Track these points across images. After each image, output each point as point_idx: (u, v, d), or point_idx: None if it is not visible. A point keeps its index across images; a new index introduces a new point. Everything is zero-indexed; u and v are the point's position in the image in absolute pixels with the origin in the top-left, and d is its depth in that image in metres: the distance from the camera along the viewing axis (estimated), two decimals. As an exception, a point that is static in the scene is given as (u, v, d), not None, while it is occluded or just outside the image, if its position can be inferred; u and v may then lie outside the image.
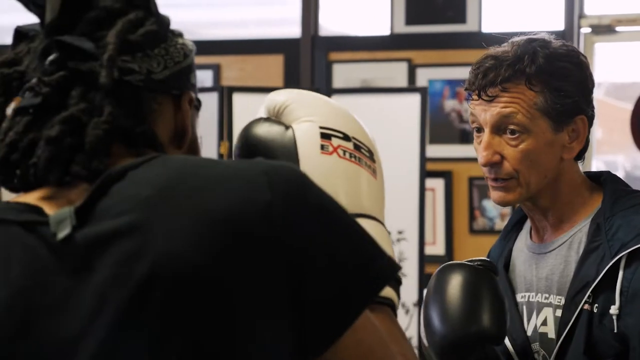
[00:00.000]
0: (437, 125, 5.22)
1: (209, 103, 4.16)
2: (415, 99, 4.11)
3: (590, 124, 1.91)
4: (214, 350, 1.08)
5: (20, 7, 1.25)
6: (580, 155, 1.94)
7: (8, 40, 1.27)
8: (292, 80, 5.61)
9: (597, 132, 5.35)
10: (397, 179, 3.88)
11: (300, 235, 1.11)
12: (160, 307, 1.07)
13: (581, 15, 5.20)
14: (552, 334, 1.91)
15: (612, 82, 6.91)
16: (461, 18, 5.28)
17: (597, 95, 5.23)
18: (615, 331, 1.79)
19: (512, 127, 1.86)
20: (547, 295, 1.93)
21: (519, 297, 1.99)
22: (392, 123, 4.12)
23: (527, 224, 2.04)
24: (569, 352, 1.85)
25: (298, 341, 1.11)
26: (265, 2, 6.11)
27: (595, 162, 5.44)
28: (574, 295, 1.85)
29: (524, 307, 1.97)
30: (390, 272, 1.17)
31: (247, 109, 4.14)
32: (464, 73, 5.16)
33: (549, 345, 1.91)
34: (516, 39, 1.92)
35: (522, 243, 2.03)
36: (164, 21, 1.27)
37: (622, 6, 5.25)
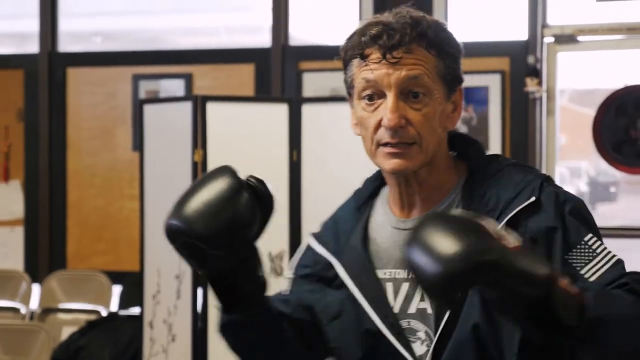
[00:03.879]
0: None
1: (183, 112, 4.25)
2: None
3: (462, 97, 1.91)
4: None
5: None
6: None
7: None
8: (263, 89, 5.72)
9: (561, 138, 5.48)
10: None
11: None
12: None
13: (544, 25, 5.34)
14: (430, 309, 1.84)
15: (575, 89, 7.05)
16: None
17: (561, 102, 5.37)
18: None
19: (417, 89, 1.81)
20: None
21: (383, 274, 1.89)
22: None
23: (382, 197, 1.96)
24: (455, 332, 1.78)
25: None
26: (236, 9, 6.20)
27: (558, 168, 5.58)
28: None
29: (392, 284, 1.88)
30: None
31: (220, 118, 4.25)
32: (430, 81, 5.30)
33: (429, 322, 1.84)
34: (393, 10, 1.87)
35: (382, 218, 1.93)
36: None
37: (584, 16, 5.39)
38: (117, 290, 5.82)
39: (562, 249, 1.75)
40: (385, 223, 1.91)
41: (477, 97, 5.36)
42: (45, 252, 6.12)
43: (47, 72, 6.09)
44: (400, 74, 1.80)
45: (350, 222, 1.94)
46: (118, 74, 6.00)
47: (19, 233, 6.17)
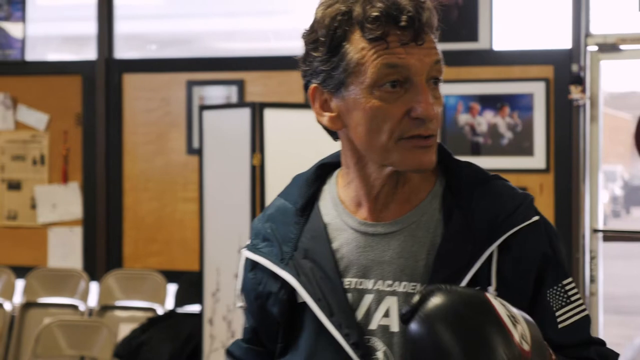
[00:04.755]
0: (452, 138, 5.52)
1: (241, 118, 4.46)
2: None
3: None
4: None
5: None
6: None
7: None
8: (313, 95, 5.89)
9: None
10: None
11: None
12: None
13: (587, 34, 5.49)
14: (394, 327, 1.64)
15: (609, 92, 7.17)
16: (473, 36, 5.57)
17: (603, 109, 5.51)
18: None
19: (439, 75, 1.63)
20: (390, 283, 1.64)
21: (347, 283, 1.67)
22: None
23: (327, 198, 1.74)
24: None
25: None
26: (283, 12, 6.38)
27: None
28: (442, 283, 1.48)
29: (351, 294, 1.66)
30: None
31: (276, 123, 4.44)
32: (476, 89, 5.49)
33: (391, 340, 1.64)
34: None
35: (337, 220, 1.71)
36: None
37: (626, 26, 5.53)
38: (171, 289, 6.03)
39: (549, 282, 1.65)
40: (343, 225, 1.70)
41: (522, 104, 5.52)
42: (103, 252, 6.33)
43: (104, 78, 6.29)
44: (431, 59, 1.61)
45: (290, 227, 1.72)
46: (172, 80, 6.20)
47: (77, 233, 6.38)
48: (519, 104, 5.52)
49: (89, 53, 6.38)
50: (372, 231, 1.68)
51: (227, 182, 4.58)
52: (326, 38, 1.63)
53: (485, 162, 5.31)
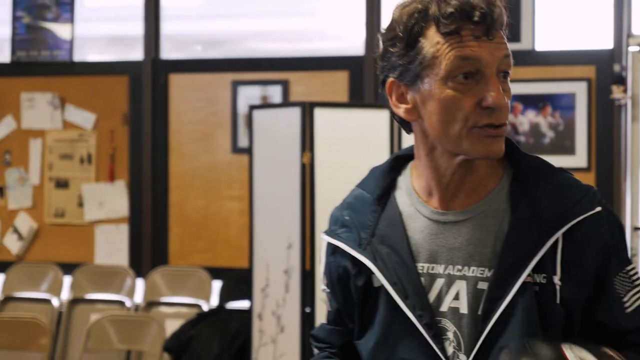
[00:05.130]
0: (495, 137, 5.59)
1: (292, 117, 4.55)
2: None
3: None
4: None
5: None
6: None
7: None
8: (356, 95, 5.99)
9: None
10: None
11: None
12: None
13: (629, 35, 5.55)
14: (464, 309, 1.75)
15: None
16: (516, 37, 5.64)
17: None
18: (558, 302, 1.71)
19: (508, 68, 1.73)
20: (460, 268, 1.75)
21: (420, 268, 1.79)
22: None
23: (403, 188, 1.85)
24: (504, 335, 1.70)
25: None
26: (330, 19, 6.47)
27: None
28: (508, 268, 1.70)
29: (424, 279, 1.77)
30: None
31: (325, 122, 4.53)
32: (519, 89, 5.55)
33: (460, 322, 1.75)
34: None
35: (410, 209, 1.82)
36: None
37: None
38: (216, 285, 6.14)
39: (613, 269, 1.75)
40: (416, 214, 1.81)
41: (564, 103, 5.59)
42: (149, 249, 6.44)
43: (151, 78, 6.40)
44: (502, 53, 1.71)
45: (368, 215, 1.84)
46: (217, 80, 6.30)
47: (123, 231, 6.50)
48: (560, 103, 5.58)
49: (136, 53, 6.49)
50: (444, 219, 1.78)
51: (276, 180, 4.67)
52: (404, 34, 1.74)
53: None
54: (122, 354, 5.60)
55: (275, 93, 6.13)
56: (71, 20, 6.51)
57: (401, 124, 1.83)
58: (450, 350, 1.75)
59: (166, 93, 6.40)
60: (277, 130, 4.69)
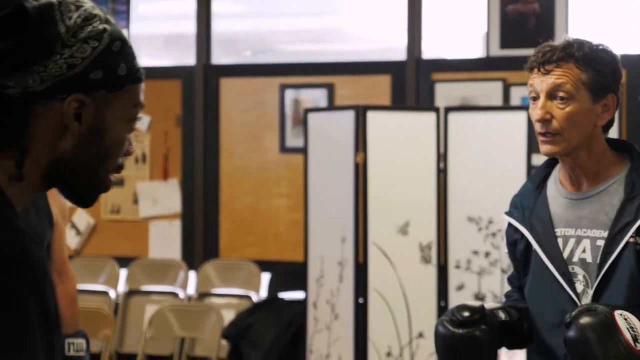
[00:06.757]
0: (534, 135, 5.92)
1: (346, 120, 4.90)
2: (522, 116, 4.80)
3: (618, 102, 2.43)
4: None
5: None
6: (607, 127, 2.47)
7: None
8: (398, 98, 6.33)
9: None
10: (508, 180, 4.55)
11: None
12: None
13: (658, 40, 5.87)
14: (589, 259, 2.42)
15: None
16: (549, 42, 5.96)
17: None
18: None
19: (561, 94, 2.36)
20: (585, 230, 2.43)
21: (558, 232, 2.47)
22: (499, 138, 4.84)
23: (552, 178, 2.53)
24: (613, 277, 2.36)
25: None
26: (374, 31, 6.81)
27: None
28: (618, 231, 2.37)
29: (561, 239, 2.46)
30: None
31: (378, 124, 4.87)
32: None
33: (587, 268, 2.42)
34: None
35: (554, 192, 2.51)
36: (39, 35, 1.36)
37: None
38: (265, 277, 6.48)
39: None
40: (558, 195, 2.50)
41: (597, 105, 5.91)
42: (200, 243, 6.79)
43: (202, 82, 6.76)
44: (549, 82, 2.38)
45: (530, 199, 2.54)
46: (266, 83, 6.66)
47: (176, 226, 6.85)
48: (593, 105, 5.90)
49: (189, 58, 6.84)
50: (574, 197, 2.49)
51: (330, 178, 5.01)
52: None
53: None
54: (180, 342, 5.93)
55: (320, 96, 6.47)
56: (127, 26, 6.86)
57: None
58: (580, 288, 2.43)
59: (217, 96, 6.74)
60: (331, 131, 5.03)
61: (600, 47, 2.44)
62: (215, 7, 6.83)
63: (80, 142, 1.40)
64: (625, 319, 2.24)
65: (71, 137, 1.39)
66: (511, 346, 2.68)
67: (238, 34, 7.08)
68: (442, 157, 4.92)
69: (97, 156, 1.42)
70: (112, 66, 1.40)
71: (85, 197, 1.46)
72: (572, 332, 2.26)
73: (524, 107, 4.94)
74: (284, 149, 6.57)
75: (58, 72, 1.36)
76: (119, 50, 1.41)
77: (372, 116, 4.88)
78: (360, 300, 4.87)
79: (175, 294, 6.45)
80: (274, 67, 6.71)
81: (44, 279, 1.32)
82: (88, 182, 1.44)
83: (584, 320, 2.25)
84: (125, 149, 1.45)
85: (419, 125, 4.94)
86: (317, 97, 6.48)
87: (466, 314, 2.42)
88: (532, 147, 4.72)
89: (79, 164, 1.42)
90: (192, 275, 6.67)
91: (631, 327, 2.23)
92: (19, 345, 1.27)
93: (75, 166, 1.41)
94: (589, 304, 2.33)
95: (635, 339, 2.21)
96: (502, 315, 2.51)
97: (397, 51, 6.44)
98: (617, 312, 2.25)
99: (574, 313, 2.29)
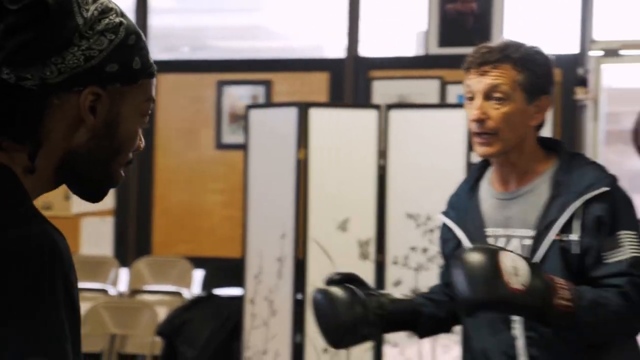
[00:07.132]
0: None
1: (287, 116, 4.88)
2: (461, 114, 4.83)
3: (550, 103, 2.48)
4: None
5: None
6: (539, 127, 2.50)
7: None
8: (335, 96, 6.33)
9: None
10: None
11: None
12: None
13: (592, 40, 5.95)
14: None
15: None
16: (486, 42, 6.01)
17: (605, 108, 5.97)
18: (578, 252, 2.39)
19: (498, 94, 2.40)
20: (514, 230, 2.47)
21: (488, 232, 2.52)
22: (439, 136, 4.86)
23: (486, 179, 2.59)
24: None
25: None
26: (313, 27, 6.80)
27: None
28: (543, 229, 2.40)
29: (492, 239, 2.50)
30: None
31: (320, 121, 4.86)
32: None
33: None
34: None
35: (486, 193, 2.56)
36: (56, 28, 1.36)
37: (628, 33, 6.00)
38: (198, 274, 6.44)
39: (603, 234, 2.38)
40: (489, 196, 2.55)
41: (532, 104, 5.98)
42: (133, 240, 6.72)
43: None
44: (486, 82, 2.42)
45: (464, 199, 2.60)
46: (203, 80, 6.60)
47: (109, 223, 6.77)
48: (528, 104, 5.96)
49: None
50: (502, 197, 2.54)
51: (270, 175, 4.99)
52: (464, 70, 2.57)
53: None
54: (110, 338, 5.85)
55: (259, 92, 6.44)
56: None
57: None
58: None
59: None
60: (273, 128, 5.00)
61: (535, 49, 2.49)
62: (152, 1, 6.76)
63: (94, 135, 1.40)
64: (511, 259, 2.28)
65: (86, 130, 1.39)
66: (419, 332, 2.68)
67: (174, 30, 7.02)
68: (382, 155, 4.93)
69: (110, 150, 1.42)
70: (128, 59, 1.39)
71: (95, 192, 1.46)
72: (453, 269, 2.31)
73: (463, 105, 4.95)
74: (220, 145, 6.52)
75: (75, 64, 1.36)
76: (134, 44, 1.40)
77: (314, 113, 4.87)
78: (299, 297, 4.86)
79: (105, 291, 6.38)
80: (211, 63, 6.66)
81: (71, 271, 1.31)
82: (100, 176, 1.43)
83: (466, 258, 2.28)
84: (137, 144, 1.44)
85: (360, 122, 4.95)
86: (256, 93, 6.45)
87: (332, 277, 2.53)
88: (471, 145, 4.73)
89: (92, 157, 1.41)
90: (124, 272, 6.59)
91: (515, 267, 2.26)
92: (53, 336, 1.27)
93: (88, 160, 1.41)
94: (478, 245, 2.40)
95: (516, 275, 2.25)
96: (394, 296, 2.57)
97: (333, 48, 6.44)
98: (502, 254, 2.28)
99: (471, 246, 2.38)
